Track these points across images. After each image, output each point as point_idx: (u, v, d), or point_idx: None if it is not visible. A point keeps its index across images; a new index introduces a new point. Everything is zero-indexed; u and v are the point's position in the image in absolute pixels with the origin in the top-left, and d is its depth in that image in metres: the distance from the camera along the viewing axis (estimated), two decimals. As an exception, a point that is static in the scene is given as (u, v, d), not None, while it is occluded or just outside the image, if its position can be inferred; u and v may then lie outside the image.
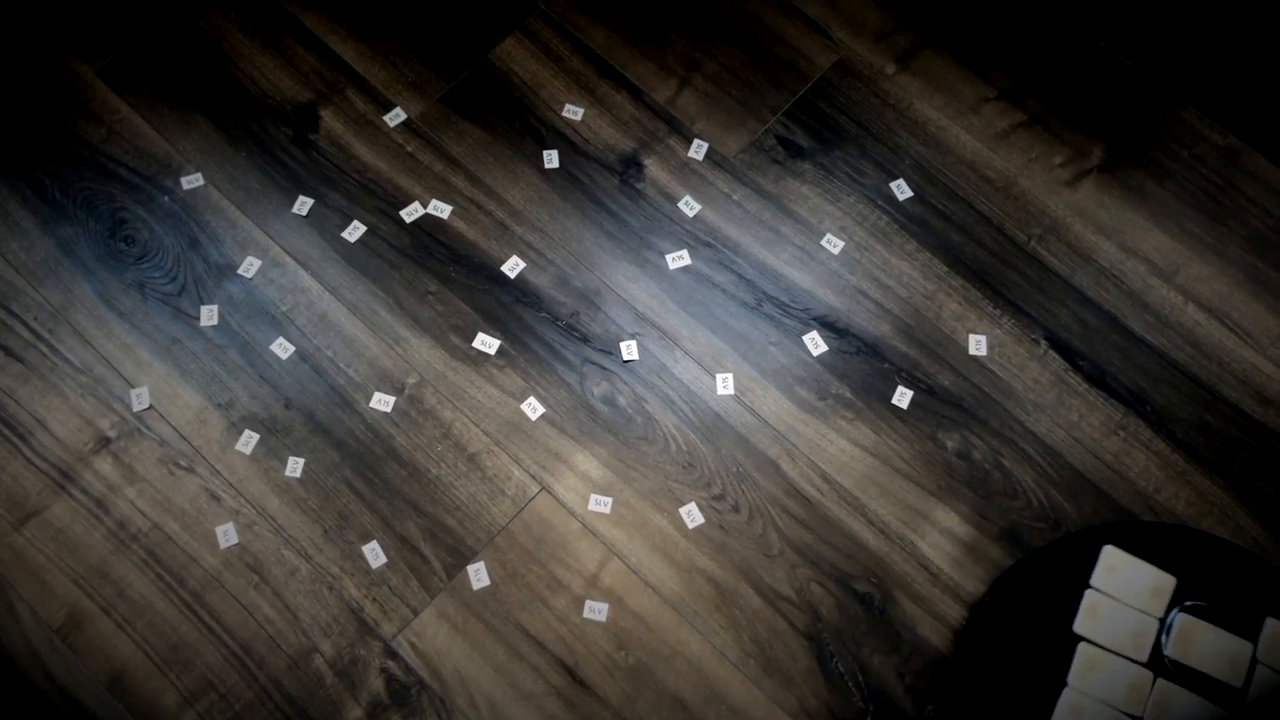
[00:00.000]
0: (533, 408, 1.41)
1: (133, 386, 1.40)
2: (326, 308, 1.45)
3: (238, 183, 1.51)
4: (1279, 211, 1.54)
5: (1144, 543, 1.28)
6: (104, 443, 1.37)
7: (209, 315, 1.44)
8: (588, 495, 1.37)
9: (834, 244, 1.51)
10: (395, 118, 1.55)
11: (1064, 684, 1.20)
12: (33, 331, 1.42)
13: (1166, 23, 1.66)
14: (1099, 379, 1.44)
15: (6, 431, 1.37)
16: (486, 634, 1.30)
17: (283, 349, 1.42)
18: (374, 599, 1.31)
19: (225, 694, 1.27)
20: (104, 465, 1.36)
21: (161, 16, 1.60)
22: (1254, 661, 1.20)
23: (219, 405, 1.39)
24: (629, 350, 1.44)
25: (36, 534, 1.33)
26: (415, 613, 1.31)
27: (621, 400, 1.42)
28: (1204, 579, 1.25)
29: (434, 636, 1.30)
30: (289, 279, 1.46)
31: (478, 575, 1.33)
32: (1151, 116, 1.60)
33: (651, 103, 1.58)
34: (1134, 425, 1.42)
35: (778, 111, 1.58)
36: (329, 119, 1.55)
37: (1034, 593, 1.26)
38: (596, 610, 1.32)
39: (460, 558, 1.34)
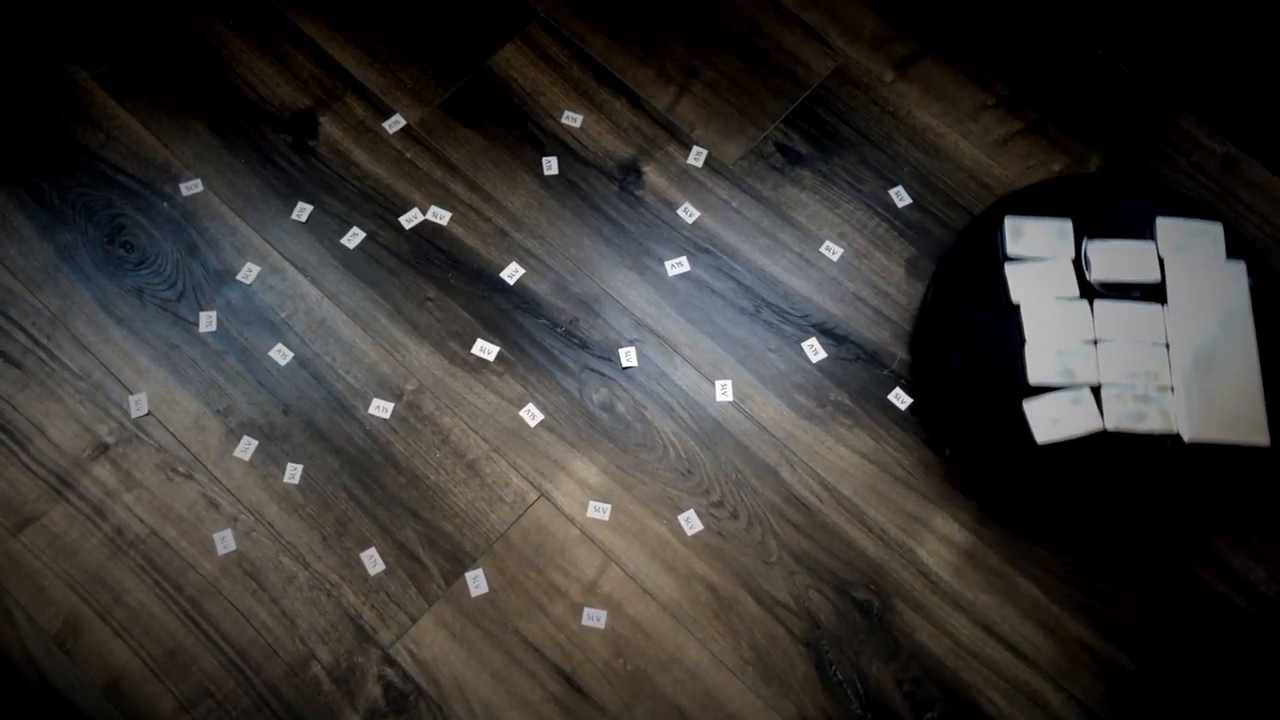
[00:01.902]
0: (531, 414, 1.41)
1: (131, 392, 1.40)
2: (325, 314, 1.45)
3: (236, 189, 1.51)
4: (1276, 218, 1.54)
5: (1035, 206, 1.43)
6: (102, 449, 1.37)
7: (208, 321, 1.44)
8: (586, 502, 1.37)
9: (833, 251, 1.51)
10: (394, 124, 1.56)
11: (1023, 341, 1.34)
12: (31, 337, 1.42)
13: (1164, 31, 1.67)
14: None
15: (4, 437, 1.37)
16: (484, 641, 1.30)
17: (281, 355, 1.42)
18: (372, 606, 1.31)
19: (222, 701, 1.27)
20: (102, 471, 1.36)
21: (160, 22, 1.60)
22: (1160, 258, 1.37)
23: (217, 411, 1.39)
24: (628, 357, 1.44)
25: (34, 540, 1.32)
26: (413, 620, 1.31)
27: (620, 407, 1.42)
28: (1095, 211, 1.42)
29: (432, 643, 1.30)
30: (288, 285, 1.46)
31: (476, 582, 1.33)
32: (1149, 124, 1.60)
33: (650, 109, 1.58)
34: (1132, 432, 1.42)
35: (777, 118, 1.58)
36: (328, 125, 1.55)
37: (964, 285, 1.40)
38: (595, 617, 1.32)
39: (458, 564, 1.33)
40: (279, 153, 1.53)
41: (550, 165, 1.54)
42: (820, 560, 1.35)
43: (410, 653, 1.29)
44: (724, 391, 1.43)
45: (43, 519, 1.33)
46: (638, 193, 1.53)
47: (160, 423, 1.38)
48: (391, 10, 1.63)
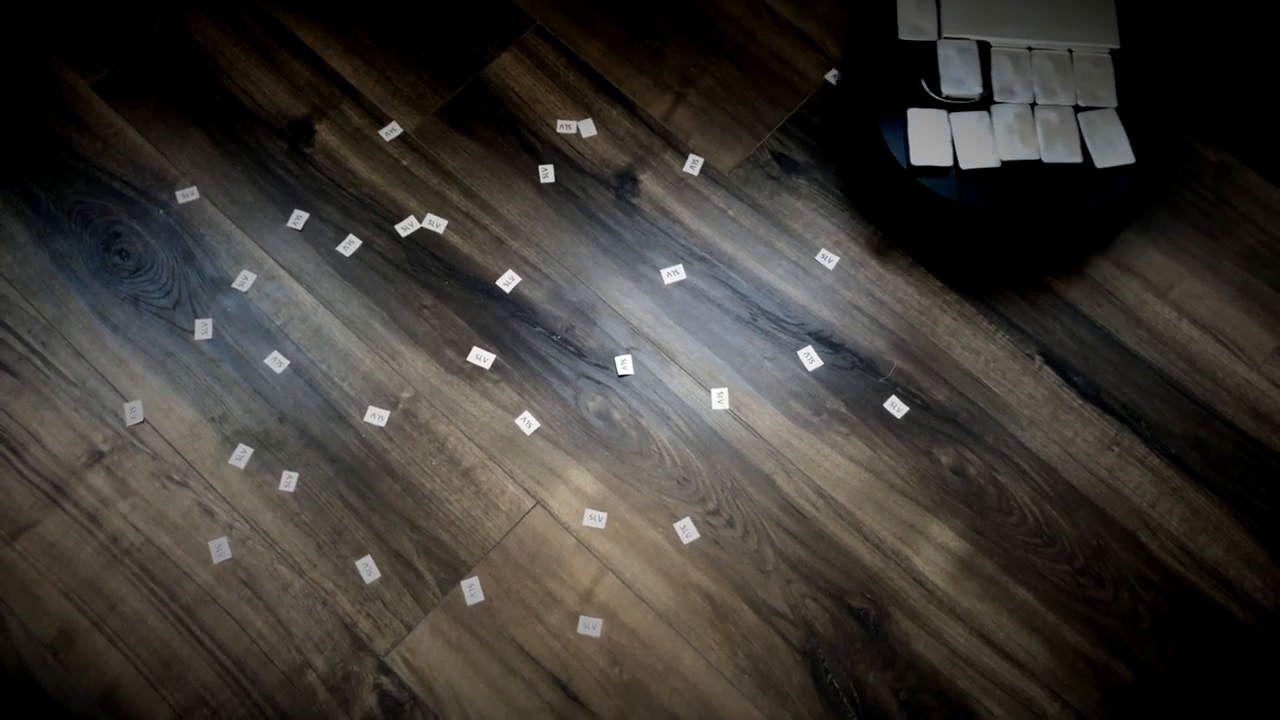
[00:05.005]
0: (527, 422, 1.41)
1: (126, 400, 1.39)
2: (321, 322, 1.45)
3: (232, 196, 1.51)
4: (1271, 227, 1.55)
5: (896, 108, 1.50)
6: (97, 457, 1.36)
7: (203, 329, 1.43)
8: (582, 510, 1.37)
9: (829, 259, 1.51)
10: (391, 132, 1.56)
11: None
12: (26, 345, 1.42)
13: (1159, 40, 1.67)
14: (1093, 394, 1.45)
15: (-1, 445, 1.37)
16: (480, 650, 1.30)
17: (277, 363, 1.42)
18: (367, 614, 1.31)
19: (217, 710, 1.26)
20: (97, 479, 1.35)
21: (157, 30, 1.61)
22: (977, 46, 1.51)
23: (213, 419, 1.39)
24: (624, 365, 1.44)
25: (28, 548, 1.32)
26: (409, 628, 1.31)
27: (616, 415, 1.42)
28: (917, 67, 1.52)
29: (427, 652, 1.30)
30: (283, 293, 1.46)
31: (471, 591, 1.32)
32: (1144, 133, 1.61)
33: (647, 118, 1.58)
34: (1128, 441, 1.42)
35: (773, 127, 1.59)
36: (324, 133, 1.55)
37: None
38: (590, 626, 1.31)
39: (454, 573, 1.33)
40: (275, 160, 1.53)
41: (547, 173, 1.54)
42: (816, 569, 1.35)
43: (406, 661, 1.29)
44: (720, 400, 1.43)
45: (37, 527, 1.33)
46: (634, 201, 1.53)
47: (155, 430, 1.38)
48: (388, 18, 1.63)
